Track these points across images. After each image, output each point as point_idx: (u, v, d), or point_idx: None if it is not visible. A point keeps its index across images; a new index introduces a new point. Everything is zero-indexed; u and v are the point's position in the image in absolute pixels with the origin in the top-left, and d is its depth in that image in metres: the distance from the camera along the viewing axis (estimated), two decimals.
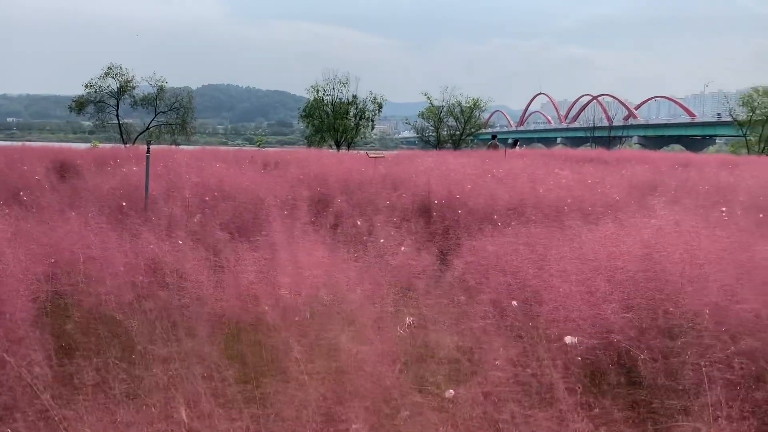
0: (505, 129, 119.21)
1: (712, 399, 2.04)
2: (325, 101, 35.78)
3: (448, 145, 39.62)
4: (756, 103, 47.65)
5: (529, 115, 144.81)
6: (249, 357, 2.94)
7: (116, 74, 32.16)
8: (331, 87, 36.01)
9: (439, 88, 41.49)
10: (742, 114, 49.64)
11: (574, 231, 4.87)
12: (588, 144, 63.44)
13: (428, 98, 41.34)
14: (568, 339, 2.77)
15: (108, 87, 32.42)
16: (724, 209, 5.78)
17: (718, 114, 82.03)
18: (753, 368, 2.62)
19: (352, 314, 3.24)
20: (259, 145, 36.08)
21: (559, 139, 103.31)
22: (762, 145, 46.34)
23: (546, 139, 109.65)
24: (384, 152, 21.13)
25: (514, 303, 3.43)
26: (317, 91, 35.84)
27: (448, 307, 3.80)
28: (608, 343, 2.89)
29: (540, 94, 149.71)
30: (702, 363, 2.37)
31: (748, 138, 48.16)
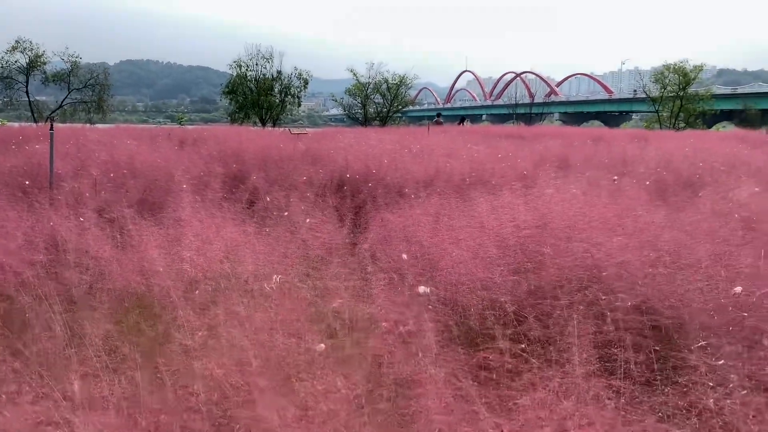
0: (433, 106, 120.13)
1: (573, 355, 2.22)
2: (249, 77, 35.04)
3: (376, 122, 39.68)
4: (667, 80, 49.89)
5: (456, 92, 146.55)
6: (144, 330, 2.96)
7: (25, 49, 30.34)
8: (255, 62, 35.28)
9: (365, 64, 41.26)
10: (655, 90, 51.91)
11: (476, 202, 5.08)
12: (512, 120, 64.92)
13: (354, 75, 41.17)
14: (421, 289, 2.95)
15: (16, 62, 30.57)
16: (615, 178, 6.14)
17: (634, 91, 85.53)
18: (621, 323, 2.85)
19: (251, 286, 3.29)
20: (180, 123, 35.03)
21: (484, 116, 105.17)
22: (673, 120, 48.73)
23: (472, 116, 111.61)
24: (307, 129, 21.04)
25: (404, 256, 3.59)
26: (240, 67, 35.05)
27: (352, 274, 3.91)
28: (493, 302, 3.08)
29: (466, 71, 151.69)
30: (569, 318, 2.56)
31: (660, 114, 50.52)
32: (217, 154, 9.21)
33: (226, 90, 35.35)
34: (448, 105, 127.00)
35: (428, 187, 6.79)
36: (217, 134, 14.31)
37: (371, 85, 41.09)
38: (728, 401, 1.88)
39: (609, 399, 1.80)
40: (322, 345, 2.29)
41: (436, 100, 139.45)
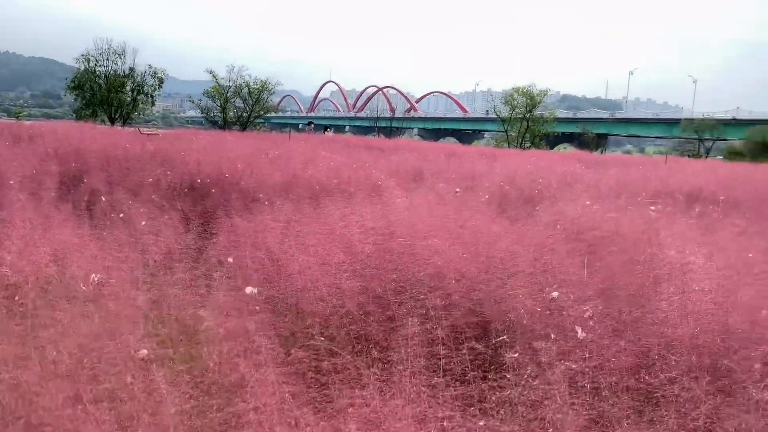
0: (296, 114, 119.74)
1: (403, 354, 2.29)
2: (98, 72, 32.85)
3: (236, 126, 38.79)
4: (516, 102, 53.46)
5: (320, 102, 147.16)
6: None
7: None
8: (105, 57, 33.16)
9: (226, 67, 40.21)
10: (505, 111, 55.42)
11: (329, 209, 5.11)
12: (374, 133, 66.35)
13: (214, 77, 40.02)
14: (248, 290, 2.94)
15: None
16: (458, 190, 6.47)
17: (486, 111, 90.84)
18: (454, 325, 2.98)
19: (77, 291, 3.06)
20: (17, 117, 32.02)
21: (347, 127, 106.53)
22: (520, 140, 52.27)
23: (336, 126, 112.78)
24: (159, 130, 20.10)
25: (230, 259, 3.52)
26: (88, 61, 32.77)
27: (194, 281, 3.77)
28: (336, 307, 3.10)
29: (330, 81, 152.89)
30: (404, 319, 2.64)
31: (509, 133, 54.02)
32: (54, 152, 8.51)
33: (72, 85, 32.90)
34: (312, 114, 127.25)
35: (283, 194, 6.73)
36: (58, 131, 13.24)
37: (232, 89, 40.16)
38: (541, 393, 2.03)
39: (430, 396, 1.88)
40: (145, 351, 2.18)
41: (300, 108, 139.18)
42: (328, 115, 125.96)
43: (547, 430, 1.86)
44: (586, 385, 2.06)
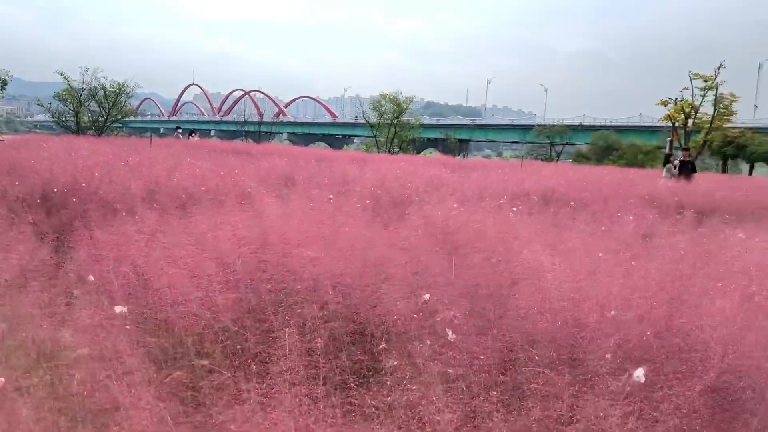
0: (157, 118, 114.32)
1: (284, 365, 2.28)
2: None
3: (91, 131, 36.36)
4: (383, 108, 54.56)
5: (182, 105, 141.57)
6: None
7: None
8: None
9: (79, 68, 37.56)
10: (373, 117, 56.42)
11: (197, 218, 4.95)
12: (241, 137, 64.90)
13: (66, 79, 37.28)
14: (117, 308, 2.83)
15: None
16: (331, 197, 6.53)
17: (356, 116, 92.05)
18: (331, 333, 3.01)
19: None
20: None
21: (213, 132, 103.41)
22: (388, 145, 53.43)
23: (200, 131, 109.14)
24: (4, 136, 18.38)
25: (91, 277, 3.34)
26: None
27: (53, 300, 3.50)
28: (208, 320, 3.02)
29: (192, 84, 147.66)
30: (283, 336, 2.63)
31: (378, 138, 55.07)
32: None
33: None
34: (174, 118, 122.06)
35: (147, 203, 6.41)
36: None
37: (86, 91, 37.63)
38: (418, 395, 2.12)
39: (311, 406, 1.89)
40: (2, 379, 2.00)
41: (161, 111, 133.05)
42: (191, 119, 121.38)
43: (425, 430, 1.94)
44: (459, 384, 2.17)
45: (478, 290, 3.62)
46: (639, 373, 2.16)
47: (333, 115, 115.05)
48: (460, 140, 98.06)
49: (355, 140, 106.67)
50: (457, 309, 3.02)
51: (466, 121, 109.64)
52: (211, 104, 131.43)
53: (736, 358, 2.37)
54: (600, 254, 4.05)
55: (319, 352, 2.58)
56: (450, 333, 2.63)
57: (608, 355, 2.34)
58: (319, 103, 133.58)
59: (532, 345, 2.58)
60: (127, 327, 2.66)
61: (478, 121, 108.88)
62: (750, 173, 62.85)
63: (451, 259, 4.23)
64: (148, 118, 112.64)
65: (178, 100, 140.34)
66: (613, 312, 2.73)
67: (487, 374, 2.32)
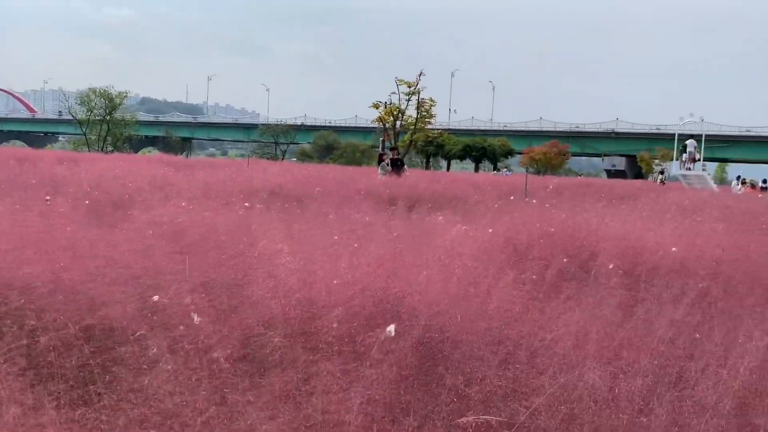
0: None
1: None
2: None
3: None
4: (93, 104, 50.09)
5: None
6: None
7: None
8: None
9: None
10: (81, 113, 51.39)
11: None
12: None
13: None
14: None
15: None
16: (48, 198, 5.98)
17: (60, 112, 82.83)
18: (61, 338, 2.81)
19: None
20: None
21: None
22: (101, 143, 49.20)
23: None
24: None
25: None
26: None
27: None
28: None
29: None
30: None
31: (88, 136, 50.33)
32: None
33: None
34: None
35: None
36: None
37: None
38: (156, 386, 2.14)
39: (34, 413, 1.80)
40: None
41: None
42: None
43: (168, 417, 1.98)
44: (201, 374, 2.25)
45: (214, 282, 3.68)
46: (390, 329, 2.52)
47: (31, 110, 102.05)
48: (183, 138, 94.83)
49: (60, 138, 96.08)
50: (193, 305, 3.06)
51: (187, 118, 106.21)
52: None
53: (437, 316, 2.85)
54: (335, 237, 4.42)
55: (52, 351, 2.44)
56: (195, 317, 2.68)
57: (335, 324, 2.63)
58: (13, 95, 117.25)
59: (269, 326, 2.76)
60: None
61: (201, 119, 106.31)
62: (448, 169, 72.15)
63: (185, 257, 4.21)
64: None
65: None
66: (335, 281, 3.06)
67: (231, 359, 2.44)
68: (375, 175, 17.11)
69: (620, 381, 2.35)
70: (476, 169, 71.56)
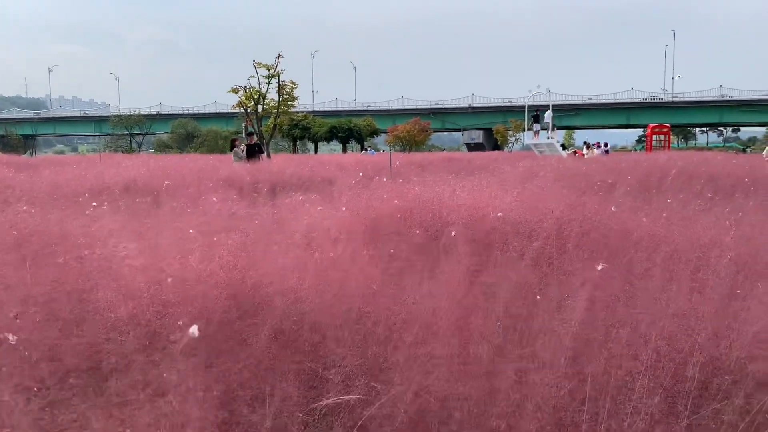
0: None
1: None
2: None
3: None
4: None
5: None
6: None
7: None
8: None
9: None
10: None
11: None
12: None
13: None
14: None
15: None
16: None
17: None
18: None
19: None
20: None
21: None
22: None
23: None
24: None
25: None
26: None
27: None
28: None
29: None
30: None
31: None
32: None
33: None
34: None
35: None
36: None
37: None
38: None
39: None
40: None
41: None
42: None
43: None
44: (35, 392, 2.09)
45: (57, 292, 3.42)
46: (193, 329, 2.44)
47: None
48: (25, 136, 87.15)
49: None
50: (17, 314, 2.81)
51: (29, 114, 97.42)
52: None
53: (295, 303, 2.83)
54: (190, 231, 4.23)
55: None
56: (11, 336, 2.46)
57: (180, 322, 2.54)
58: None
59: (114, 331, 2.61)
60: None
61: (44, 114, 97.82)
62: (315, 151, 71.90)
63: (25, 267, 3.87)
64: None
65: None
66: (188, 277, 2.95)
67: (70, 371, 2.28)
68: (232, 163, 16.66)
69: (470, 348, 2.47)
70: (344, 150, 71.96)
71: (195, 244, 3.93)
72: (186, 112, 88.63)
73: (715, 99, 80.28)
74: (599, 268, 2.83)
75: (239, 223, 5.15)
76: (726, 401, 2.20)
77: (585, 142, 39.84)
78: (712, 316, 2.55)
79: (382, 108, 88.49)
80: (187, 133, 72.84)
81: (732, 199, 7.11)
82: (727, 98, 79.53)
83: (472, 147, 75.71)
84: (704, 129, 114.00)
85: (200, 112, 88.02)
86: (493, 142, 76.45)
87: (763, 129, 72.42)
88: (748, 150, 64.71)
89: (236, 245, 3.74)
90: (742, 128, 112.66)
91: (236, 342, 2.72)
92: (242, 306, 2.91)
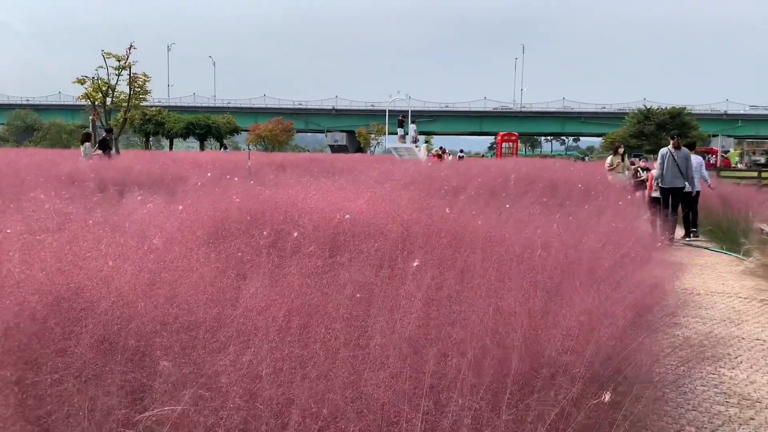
0: None
1: None
2: None
3: None
4: None
5: None
6: None
7: None
8: None
9: None
10: None
11: None
12: None
13: None
14: None
15: None
16: None
17: None
18: None
19: None
20: None
21: None
22: None
23: None
24: None
25: None
26: None
27: None
28: None
29: None
30: None
31: None
32: None
33: None
34: None
35: None
36: None
37: None
38: None
39: None
40: None
41: None
42: None
43: None
44: None
45: None
46: None
47: None
48: None
49: None
50: None
51: None
52: None
53: (121, 308, 2.64)
54: (8, 231, 3.83)
55: None
56: None
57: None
58: None
59: None
60: None
61: None
62: (170, 148, 68.58)
63: None
64: None
65: None
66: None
67: None
68: (79, 159, 15.52)
69: (305, 350, 2.43)
70: (201, 148, 69.35)
71: (14, 245, 3.57)
72: (25, 102, 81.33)
73: (558, 110, 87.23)
74: (415, 264, 2.93)
75: (70, 224, 4.76)
76: (543, 392, 2.34)
77: (441, 147, 41.88)
78: (535, 313, 2.72)
79: (243, 105, 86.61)
80: (26, 125, 66.78)
81: (566, 205, 7.71)
82: (569, 110, 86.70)
83: (336, 149, 76.30)
84: (549, 138, 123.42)
85: (42, 103, 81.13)
86: (356, 144, 77.51)
87: (599, 139, 79.95)
88: (586, 158, 70.92)
89: (62, 246, 3.44)
90: (581, 138, 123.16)
91: (54, 352, 2.49)
92: (64, 312, 2.67)
